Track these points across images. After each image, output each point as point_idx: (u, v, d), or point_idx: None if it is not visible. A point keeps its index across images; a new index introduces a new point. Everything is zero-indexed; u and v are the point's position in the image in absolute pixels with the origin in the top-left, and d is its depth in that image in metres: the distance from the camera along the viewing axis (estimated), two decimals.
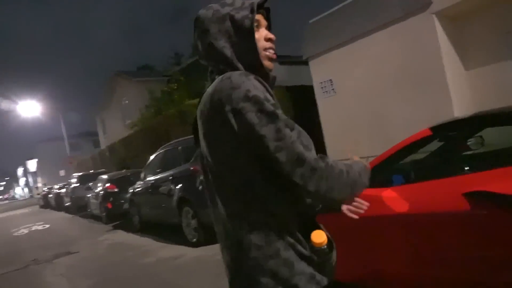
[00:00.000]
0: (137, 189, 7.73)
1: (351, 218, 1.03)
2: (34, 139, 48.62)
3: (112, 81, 24.15)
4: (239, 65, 1.01)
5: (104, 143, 26.50)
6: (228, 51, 1.02)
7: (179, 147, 6.21)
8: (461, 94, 7.46)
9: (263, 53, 1.05)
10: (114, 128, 25.13)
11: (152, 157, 7.38)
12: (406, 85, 8.00)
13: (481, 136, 2.61)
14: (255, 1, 1.05)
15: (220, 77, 0.97)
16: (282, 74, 14.46)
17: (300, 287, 0.92)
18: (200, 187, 5.20)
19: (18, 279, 5.61)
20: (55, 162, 33.39)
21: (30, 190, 65.67)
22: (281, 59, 16.87)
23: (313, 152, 0.94)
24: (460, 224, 1.90)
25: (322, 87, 10.17)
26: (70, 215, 14.82)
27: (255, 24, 1.03)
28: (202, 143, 1.03)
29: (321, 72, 10.04)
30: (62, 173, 26.83)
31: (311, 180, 0.90)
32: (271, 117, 0.90)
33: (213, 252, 4.79)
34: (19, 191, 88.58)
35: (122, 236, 7.96)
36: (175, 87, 16.30)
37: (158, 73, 24.78)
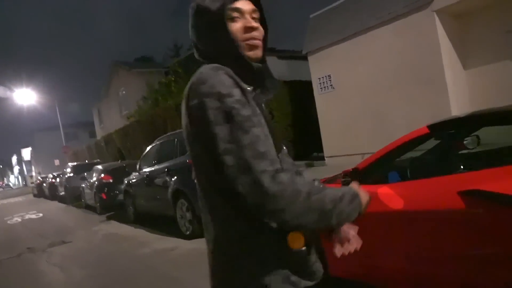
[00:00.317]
0: (132, 180, 7.71)
1: None
2: (31, 128, 48.29)
3: (110, 71, 23.99)
4: (221, 59, 0.95)
5: (100, 133, 26.41)
6: (209, 46, 1.00)
7: (176, 139, 6.20)
8: (459, 93, 7.48)
9: (242, 44, 0.98)
10: (110, 119, 25.02)
11: (148, 149, 7.36)
12: (405, 82, 8.01)
13: (477, 135, 2.62)
14: None
15: (198, 70, 0.95)
16: (280, 68, 14.45)
17: (272, 287, 0.89)
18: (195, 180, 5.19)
19: (11, 268, 5.60)
20: (51, 151, 33.21)
21: (24, 179, 65.40)
22: (280, 54, 16.83)
23: (272, 161, 0.84)
24: (455, 222, 1.92)
25: (320, 83, 10.16)
26: (64, 205, 14.79)
27: (235, 14, 0.98)
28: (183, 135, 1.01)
29: (320, 67, 10.02)
30: (57, 162, 26.74)
31: (252, 193, 0.81)
32: (228, 116, 0.84)
33: None
34: (13, 179, 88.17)
35: (116, 227, 7.95)
36: (173, 79, 16.23)
37: (157, 65, 24.64)
